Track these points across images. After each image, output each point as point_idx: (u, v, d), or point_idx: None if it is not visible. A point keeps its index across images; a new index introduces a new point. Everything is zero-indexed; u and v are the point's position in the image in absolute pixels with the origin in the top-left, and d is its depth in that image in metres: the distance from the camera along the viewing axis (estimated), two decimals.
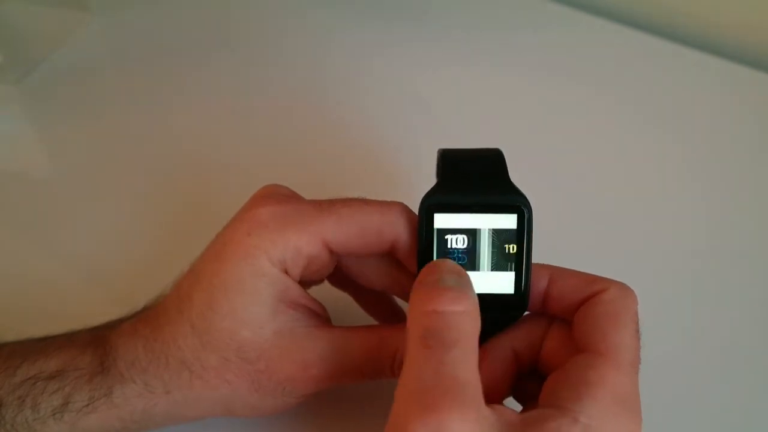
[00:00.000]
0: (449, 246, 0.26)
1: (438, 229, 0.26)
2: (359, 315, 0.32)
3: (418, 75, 0.50)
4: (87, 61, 0.51)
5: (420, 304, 0.22)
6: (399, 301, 0.32)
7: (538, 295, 0.26)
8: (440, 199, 0.26)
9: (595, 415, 0.22)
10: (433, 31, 0.53)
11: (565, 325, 0.26)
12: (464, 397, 0.20)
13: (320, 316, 0.28)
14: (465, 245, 0.26)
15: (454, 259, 0.26)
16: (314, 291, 0.30)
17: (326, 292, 0.31)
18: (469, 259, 0.26)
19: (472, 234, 0.26)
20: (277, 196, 0.28)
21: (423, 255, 0.26)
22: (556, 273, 0.26)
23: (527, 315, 0.27)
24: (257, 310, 0.26)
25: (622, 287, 0.25)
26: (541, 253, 0.27)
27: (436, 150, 0.28)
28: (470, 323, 0.22)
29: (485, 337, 0.23)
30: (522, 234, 0.26)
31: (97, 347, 0.28)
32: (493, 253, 0.26)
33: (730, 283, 0.38)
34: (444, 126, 0.46)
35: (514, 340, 0.27)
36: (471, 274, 0.26)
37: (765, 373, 0.34)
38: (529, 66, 0.50)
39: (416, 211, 0.26)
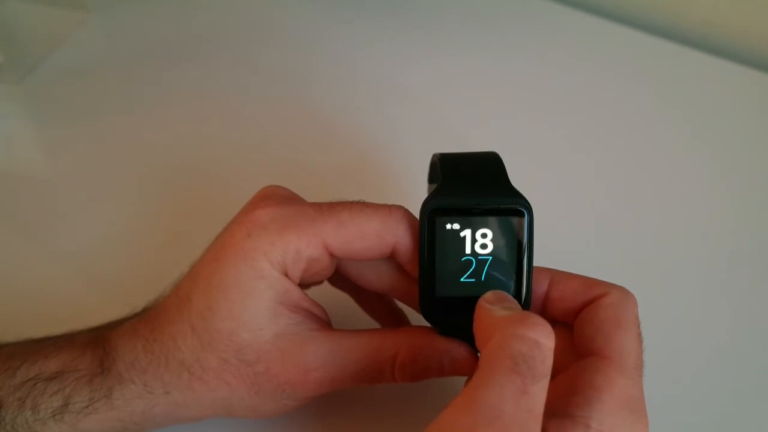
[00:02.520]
0: (452, 248, 0.26)
1: (439, 233, 0.26)
2: (359, 317, 0.32)
3: (418, 75, 0.50)
4: (86, 60, 0.51)
5: (520, 327, 0.21)
6: (399, 303, 0.32)
7: (538, 298, 0.27)
8: (442, 202, 0.26)
9: (605, 420, 0.22)
10: (432, 31, 0.53)
11: (566, 328, 0.26)
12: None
13: (320, 319, 0.28)
14: (468, 248, 0.26)
15: (456, 263, 0.26)
16: (314, 292, 0.30)
17: (326, 294, 0.31)
18: (470, 261, 0.26)
19: (474, 236, 0.26)
20: (277, 197, 0.28)
21: (425, 257, 0.26)
22: (556, 276, 0.26)
23: None
24: (257, 311, 0.26)
25: (623, 291, 0.25)
26: (540, 254, 0.27)
27: (432, 153, 0.28)
28: (552, 361, 0.21)
29: None
30: (523, 236, 0.26)
31: (96, 348, 0.28)
32: (494, 254, 0.26)
33: (730, 283, 0.38)
34: (443, 126, 0.46)
35: None
36: (472, 275, 0.26)
37: (765, 373, 0.34)
38: (527, 65, 0.50)
39: (416, 214, 0.26)
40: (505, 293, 0.24)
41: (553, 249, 0.29)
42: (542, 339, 0.21)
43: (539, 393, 0.20)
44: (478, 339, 0.23)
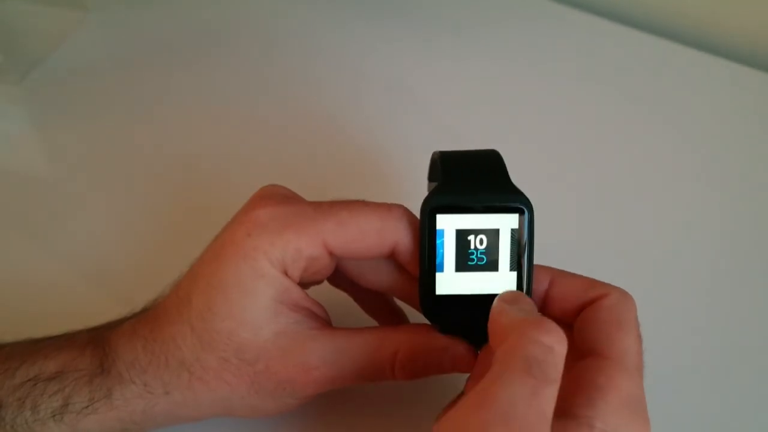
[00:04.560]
0: (451, 247, 0.26)
1: (440, 231, 0.26)
2: (359, 316, 0.32)
3: (418, 75, 0.50)
4: (86, 60, 0.51)
5: (536, 331, 0.22)
6: (399, 302, 0.32)
7: (538, 297, 0.27)
8: (443, 200, 0.26)
9: (608, 420, 0.22)
10: (432, 31, 0.53)
11: (566, 328, 0.26)
12: None
13: (320, 318, 0.28)
14: (468, 246, 0.26)
15: (457, 260, 0.26)
16: (314, 291, 0.30)
17: (326, 293, 0.31)
18: (471, 259, 0.26)
19: (475, 234, 0.26)
20: (277, 196, 0.28)
21: (425, 256, 0.26)
22: (557, 275, 0.26)
23: None
24: (256, 311, 0.26)
25: (623, 293, 0.25)
26: (541, 254, 0.27)
27: (432, 152, 0.28)
28: (563, 366, 0.22)
29: (486, 337, 0.24)
30: (523, 234, 0.26)
31: (96, 348, 0.28)
32: (495, 253, 0.26)
33: (731, 283, 0.38)
34: (443, 126, 0.46)
35: None
36: (472, 274, 0.26)
37: (765, 373, 0.34)
38: (528, 65, 0.50)
39: (417, 213, 0.26)
40: (522, 294, 0.25)
41: (553, 248, 0.29)
42: (556, 345, 0.21)
43: (550, 397, 0.21)
44: (492, 338, 0.23)
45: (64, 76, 0.50)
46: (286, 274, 0.26)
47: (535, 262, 0.26)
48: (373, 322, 0.32)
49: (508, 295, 0.24)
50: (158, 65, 0.51)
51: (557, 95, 0.48)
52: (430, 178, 0.30)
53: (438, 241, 0.26)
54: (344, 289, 0.32)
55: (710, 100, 0.48)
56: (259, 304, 0.26)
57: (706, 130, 0.46)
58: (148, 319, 0.28)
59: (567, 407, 0.22)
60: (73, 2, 0.55)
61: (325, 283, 0.31)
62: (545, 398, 0.20)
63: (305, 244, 0.26)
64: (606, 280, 0.26)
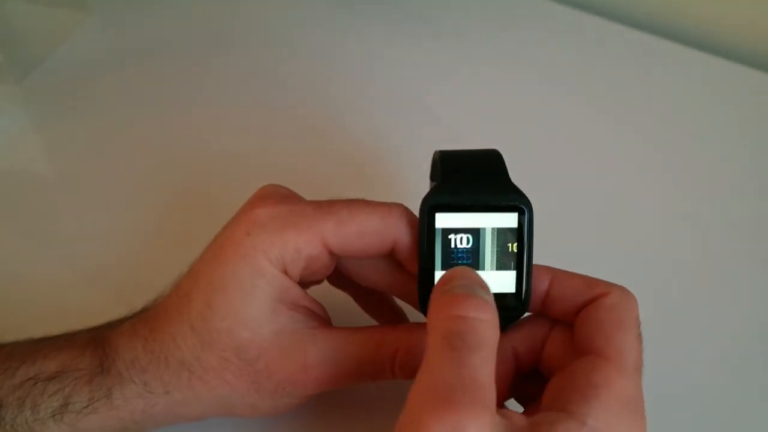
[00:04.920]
0: (451, 246, 0.26)
1: (439, 229, 0.26)
2: (359, 315, 0.32)
3: (418, 75, 0.50)
4: (86, 60, 0.51)
5: (446, 308, 0.22)
6: (399, 301, 0.32)
7: (538, 297, 0.27)
8: (441, 198, 0.26)
9: (601, 418, 0.22)
10: (432, 31, 0.53)
11: (566, 327, 0.26)
12: (483, 400, 0.20)
13: (320, 317, 0.28)
14: (466, 245, 0.26)
15: (456, 259, 0.26)
16: (314, 291, 0.30)
17: (326, 293, 0.31)
18: (470, 258, 0.26)
19: (474, 233, 0.26)
20: (277, 196, 0.28)
21: (424, 254, 0.26)
22: (557, 275, 0.26)
23: (528, 316, 0.27)
24: (256, 310, 0.26)
25: (624, 291, 0.25)
26: (542, 253, 0.27)
27: (433, 151, 0.28)
28: (493, 331, 0.22)
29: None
30: (523, 233, 0.26)
31: (96, 348, 0.28)
32: (494, 252, 0.26)
33: (731, 283, 0.38)
34: (444, 126, 0.46)
35: (515, 340, 0.27)
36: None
37: (765, 373, 0.34)
38: (529, 65, 0.50)
39: (416, 212, 0.26)
40: (461, 268, 0.24)
41: (553, 248, 0.29)
42: (469, 313, 0.22)
43: (481, 363, 0.21)
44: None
45: (64, 76, 0.50)
46: (285, 273, 0.26)
47: (536, 261, 0.26)
48: (373, 322, 0.32)
49: (443, 276, 0.24)
50: (158, 65, 0.51)
51: (558, 95, 0.48)
52: (432, 178, 0.30)
53: (437, 240, 0.26)
54: (344, 289, 0.32)
55: (711, 100, 0.48)
56: (258, 303, 0.26)
57: (707, 129, 0.46)
58: (148, 319, 0.28)
59: (562, 403, 0.22)
60: (73, 2, 0.55)
61: (325, 283, 0.31)
62: (473, 365, 0.21)
63: (305, 243, 0.26)
64: (608, 280, 0.26)
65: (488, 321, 0.22)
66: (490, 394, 0.21)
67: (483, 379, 0.21)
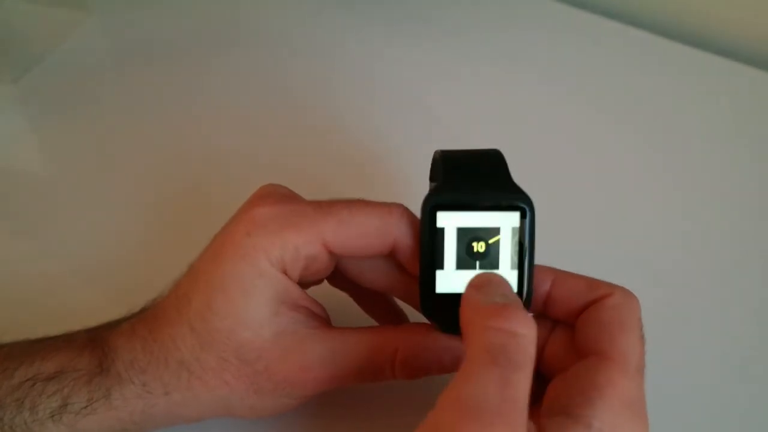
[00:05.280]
0: (452, 245, 0.26)
1: (440, 228, 0.26)
2: (359, 315, 0.32)
3: (418, 75, 0.50)
4: (85, 60, 0.51)
5: (489, 318, 0.21)
6: (399, 302, 0.32)
7: (540, 297, 0.26)
8: (443, 198, 0.26)
9: (606, 420, 0.22)
10: (432, 31, 0.53)
11: (567, 328, 0.26)
12: (521, 422, 0.20)
13: (320, 317, 0.28)
14: (467, 244, 0.26)
15: (457, 259, 0.26)
16: (314, 291, 0.30)
17: (326, 293, 0.31)
18: (471, 258, 0.26)
19: (475, 233, 0.26)
20: (276, 196, 0.28)
21: (425, 254, 0.26)
22: (559, 276, 0.26)
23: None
24: (256, 310, 0.26)
25: (626, 292, 0.25)
26: (541, 253, 0.27)
27: (433, 151, 0.28)
28: (534, 349, 0.21)
29: None
30: (524, 232, 0.26)
31: (95, 348, 0.28)
32: (495, 252, 0.26)
33: (732, 284, 0.38)
34: (444, 126, 0.46)
35: None
36: (473, 272, 0.26)
37: (765, 373, 0.34)
38: (529, 66, 0.50)
39: (417, 211, 0.26)
40: (493, 275, 0.24)
41: (553, 248, 0.29)
42: (517, 329, 0.21)
43: (522, 382, 0.20)
44: (462, 329, 0.23)
45: (63, 76, 0.50)
46: (285, 273, 0.26)
47: (537, 262, 0.26)
48: (373, 322, 0.32)
49: (476, 279, 0.24)
50: (158, 65, 0.51)
51: (558, 95, 0.48)
52: (432, 179, 0.30)
53: (438, 239, 0.26)
54: (344, 289, 0.32)
55: (710, 100, 0.48)
56: (258, 303, 0.26)
57: (707, 129, 0.46)
58: (147, 319, 0.28)
59: (566, 406, 0.22)
60: (73, 2, 0.55)
61: (325, 283, 0.31)
62: (516, 385, 0.20)
63: (305, 243, 0.26)
64: (609, 281, 0.26)
65: (532, 339, 0.21)
66: (525, 414, 0.20)
67: (522, 401, 0.20)
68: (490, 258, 0.26)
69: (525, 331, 0.21)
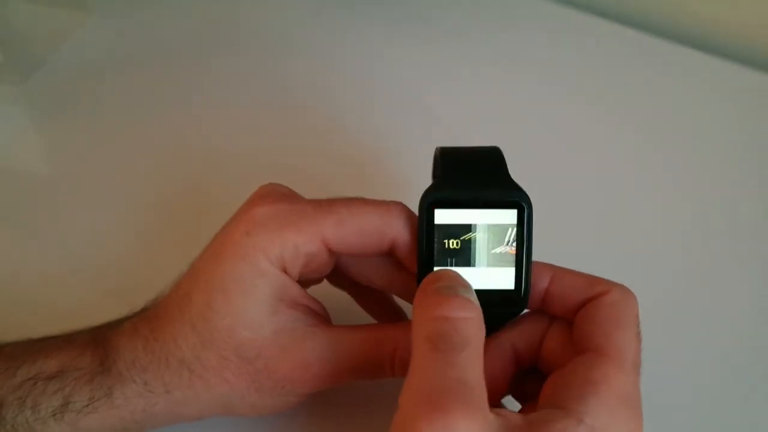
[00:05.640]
0: (450, 242, 0.26)
1: (438, 225, 0.26)
2: (358, 314, 0.32)
3: (418, 75, 0.50)
4: (87, 61, 0.51)
5: (428, 309, 0.23)
6: (398, 299, 0.32)
7: (538, 294, 0.27)
8: (441, 195, 0.26)
9: (599, 416, 0.22)
10: (432, 31, 0.53)
11: (565, 324, 0.26)
12: (472, 399, 0.20)
13: (320, 315, 0.28)
14: (465, 241, 0.26)
15: (455, 256, 0.26)
16: (314, 290, 0.30)
17: (326, 291, 0.31)
18: (469, 254, 0.26)
19: (473, 230, 0.26)
20: (276, 195, 0.28)
21: (423, 251, 0.26)
22: (558, 272, 0.26)
23: (527, 313, 0.27)
24: (256, 309, 0.26)
25: (624, 290, 0.25)
26: (540, 253, 0.27)
27: (434, 149, 0.28)
28: (477, 329, 0.22)
29: (485, 333, 0.24)
30: (522, 230, 0.26)
31: (96, 347, 0.28)
32: (493, 249, 0.26)
33: (730, 283, 0.38)
34: (444, 126, 0.46)
35: (513, 337, 0.27)
36: (471, 269, 0.26)
37: (765, 373, 0.34)
38: (529, 66, 0.50)
39: (415, 210, 0.26)
40: (444, 271, 0.25)
41: (553, 248, 0.29)
42: (449, 312, 0.22)
43: (467, 361, 0.21)
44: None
45: (64, 76, 0.50)
46: (285, 272, 0.26)
47: (536, 259, 0.26)
48: (372, 320, 0.32)
49: (428, 277, 0.24)
50: (159, 65, 0.51)
51: (558, 95, 0.48)
52: (434, 176, 0.30)
53: (436, 236, 0.26)
54: (343, 288, 0.32)
55: (710, 100, 0.48)
56: (258, 302, 0.26)
57: (707, 129, 0.46)
58: (148, 319, 0.28)
59: (560, 400, 0.22)
60: (73, 2, 0.55)
61: (325, 282, 0.31)
62: (461, 365, 0.21)
63: (304, 242, 0.26)
64: (607, 278, 0.26)
65: (471, 319, 0.22)
66: (480, 392, 0.21)
67: (470, 379, 0.21)
68: (487, 255, 0.26)
69: (460, 313, 0.22)
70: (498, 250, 0.26)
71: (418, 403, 0.20)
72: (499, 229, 0.26)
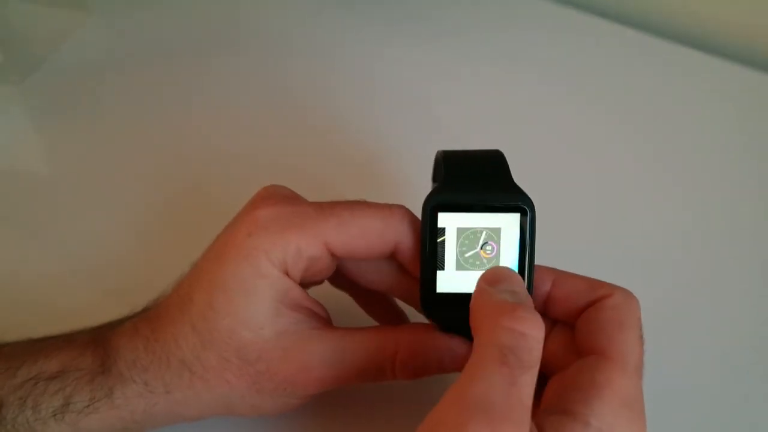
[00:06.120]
0: (452, 246, 0.26)
1: (441, 229, 0.26)
2: (360, 317, 0.32)
3: (418, 75, 0.50)
4: (87, 61, 0.51)
5: (501, 317, 0.21)
6: (400, 302, 0.32)
7: (541, 297, 0.27)
8: (444, 198, 0.26)
9: (604, 418, 0.22)
10: (432, 31, 0.53)
11: (567, 328, 0.26)
12: (524, 422, 0.20)
13: (321, 318, 0.28)
14: (468, 244, 0.26)
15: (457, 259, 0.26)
16: (315, 291, 0.30)
17: (327, 293, 0.31)
18: (472, 258, 0.26)
19: (476, 234, 0.26)
20: (278, 197, 0.28)
21: (426, 255, 0.26)
22: (560, 276, 0.27)
23: None
24: (258, 310, 0.26)
25: (626, 293, 0.25)
26: (541, 253, 0.27)
27: (435, 151, 0.28)
28: (541, 351, 0.22)
29: None
30: (525, 233, 0.26)
31: (97, 347, 0.28)
32: (495, 252, 0.26)
33: (730, 283, 0.38)
34: (444, 126, 0.46)
35: None
36: (474, 273, 0.26)
37: (765, 373, 0.34)
38: (529, 66, 0.50)
39: (418, 213, 0.26)
40: (506, 270, 0.24)
41: (553, 248, 0.29)
42: (528, 330, 0.21)
43: (528, 383, 0.21)
44: (471, 324, 0.23)
45: (64, 76, 0.50)
46: (287, 274, 0.26)
47: (538, 262, 0.26)
48: (374, 323, 0.32)
49: (489, 273, 0.24)
50: (159, 65, 0.51)
51: (558, 95, 0.48)
52: (434, 179, 0.30)
53: (439, 239, 0.26)
54: (345, 290, 0.32)
55: (711, 100, 0.48)
56: (260, 303, 0.26)
57: (707, 129, 0.46)
58: (149, 319, 0.28)
59: (564, 404, 0.23)
60: (73, 2, 0.55)
61: (326, 284, 0.31)
62: (522, 386, 0.20)
63: (306, 245, 0.26)
64: (609, 281, 0.26)
65: (540, 340, 0.21)
66: (529, 415, 0.20)
67: (527, 401, 0.20)
68: (490, 258, 0.26)
69: (535, 332, 0.21)
70: (500, 253, 0.26)
71: (474, 412, 0.20)
72: (501, 233, 0.26)
